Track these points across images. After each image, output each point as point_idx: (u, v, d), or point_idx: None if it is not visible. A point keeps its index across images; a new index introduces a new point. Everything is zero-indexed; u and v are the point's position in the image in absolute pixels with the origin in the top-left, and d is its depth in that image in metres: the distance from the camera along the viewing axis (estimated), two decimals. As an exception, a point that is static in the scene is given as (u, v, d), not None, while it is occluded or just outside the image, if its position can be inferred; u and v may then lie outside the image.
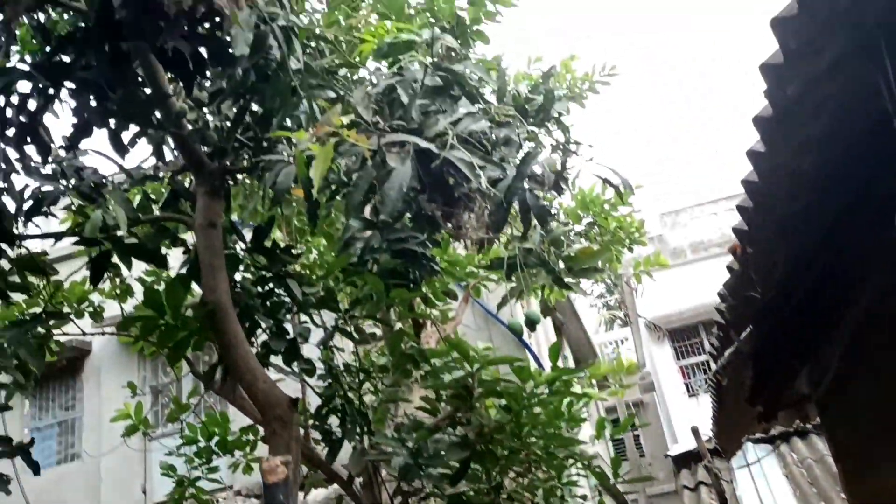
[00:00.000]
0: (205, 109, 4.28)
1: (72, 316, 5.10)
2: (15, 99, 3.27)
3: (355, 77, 5.51)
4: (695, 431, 9.02)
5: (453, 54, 3.44)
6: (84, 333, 5.50)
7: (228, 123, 4.12)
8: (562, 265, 4.31)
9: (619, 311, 22.84)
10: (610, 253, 5.33)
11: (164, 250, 4.57)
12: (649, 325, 15.91)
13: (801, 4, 1.76)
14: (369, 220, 4.19)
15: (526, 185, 3.11)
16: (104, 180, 4.09)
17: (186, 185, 4.81)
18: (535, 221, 3.45)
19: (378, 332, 4.91)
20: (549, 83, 3.71)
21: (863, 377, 3.67)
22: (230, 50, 2.85)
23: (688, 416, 15.08)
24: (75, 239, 4.29)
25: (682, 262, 14.42)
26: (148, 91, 3.42)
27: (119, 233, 4.04)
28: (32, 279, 4.68)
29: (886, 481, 3.69)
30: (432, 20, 6.35)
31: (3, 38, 2.62)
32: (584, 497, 5.16)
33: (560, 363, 4.15)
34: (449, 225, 3.15)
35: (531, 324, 4.05)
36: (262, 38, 2.68)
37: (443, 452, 4.03)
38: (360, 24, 6.03)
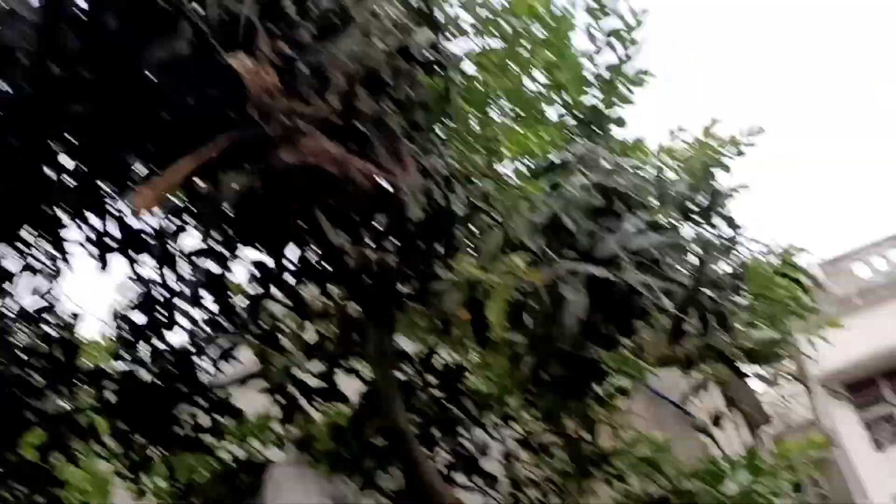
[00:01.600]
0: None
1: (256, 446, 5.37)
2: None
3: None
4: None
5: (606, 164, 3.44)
6: (267, 460, 5.74)
7: (388, 256, 4.30)
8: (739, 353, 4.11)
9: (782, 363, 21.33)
10: (788, 335, 5.04)
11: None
12: (830, 390, 14.84)
13: None
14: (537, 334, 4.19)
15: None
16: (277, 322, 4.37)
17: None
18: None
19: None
20: (709, 181, 3.64)
21: None
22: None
23: (877, 472, 13.91)
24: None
25: (852, 311, 13.36)
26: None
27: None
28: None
29: None
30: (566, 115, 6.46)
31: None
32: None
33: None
34: (627, 341, 3.09)
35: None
36: (427, 191, 2.81)
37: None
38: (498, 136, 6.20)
